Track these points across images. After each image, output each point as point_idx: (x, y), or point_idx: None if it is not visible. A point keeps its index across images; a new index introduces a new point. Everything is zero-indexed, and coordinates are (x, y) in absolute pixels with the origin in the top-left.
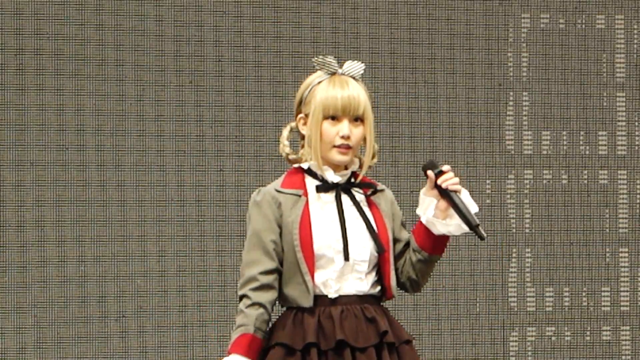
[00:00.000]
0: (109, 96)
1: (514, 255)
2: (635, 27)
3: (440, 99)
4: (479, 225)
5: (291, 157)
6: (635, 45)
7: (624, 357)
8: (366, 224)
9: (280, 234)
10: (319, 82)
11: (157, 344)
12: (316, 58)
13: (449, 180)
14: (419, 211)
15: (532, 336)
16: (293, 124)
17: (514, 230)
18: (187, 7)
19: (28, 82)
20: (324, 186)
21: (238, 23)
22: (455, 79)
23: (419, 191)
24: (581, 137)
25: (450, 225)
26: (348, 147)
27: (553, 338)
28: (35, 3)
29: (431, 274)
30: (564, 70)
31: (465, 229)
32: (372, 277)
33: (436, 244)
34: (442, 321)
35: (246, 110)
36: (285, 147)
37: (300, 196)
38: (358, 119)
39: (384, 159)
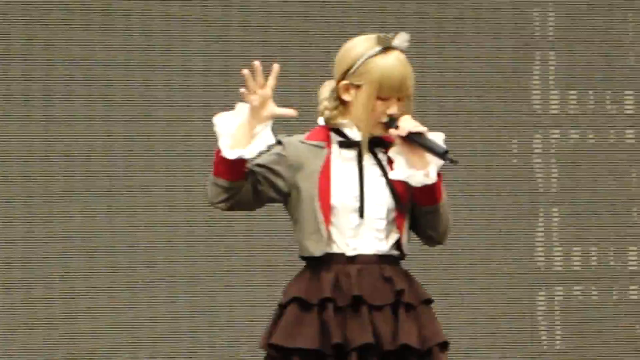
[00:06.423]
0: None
1: (540, 215)
2: None
3: (467, 58)
4: (447, 151)
5: (332, 121)
6: None
7: None
8: (386, 179)
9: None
10: (373, 56)
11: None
12: (379, 35)
13: (408, 125)
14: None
15: (559, 296)
16: (333, 85)
17: (541, 190)
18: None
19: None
20: (347, 142)
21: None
22: (482, 39)
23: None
24: (607, 96)
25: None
26: None
27: (580, 297)
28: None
29: (443, 223)
30: (591, 29)
31: (439, 162)
32: (393, 237)
33: (422, 195)
34: (467, 281)
35: None
36: (326, 109)
37: (322, 148)
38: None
39: None
